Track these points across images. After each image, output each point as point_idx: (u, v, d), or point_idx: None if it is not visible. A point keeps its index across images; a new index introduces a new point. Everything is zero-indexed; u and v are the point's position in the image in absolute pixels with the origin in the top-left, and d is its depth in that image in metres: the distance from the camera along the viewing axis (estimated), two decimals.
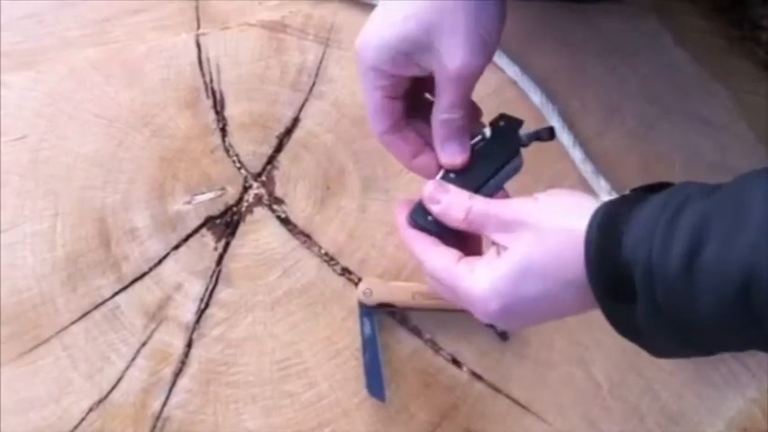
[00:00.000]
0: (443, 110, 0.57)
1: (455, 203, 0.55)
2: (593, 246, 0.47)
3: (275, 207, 0.77)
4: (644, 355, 0.74)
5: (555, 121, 0.79)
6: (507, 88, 0.83)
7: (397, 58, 0.56)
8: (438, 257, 0.55)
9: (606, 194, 0.75)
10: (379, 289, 0.74)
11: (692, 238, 0.43)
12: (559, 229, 0.50)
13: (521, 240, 0.51)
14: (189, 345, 0.74)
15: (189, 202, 0.77)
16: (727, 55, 0.85)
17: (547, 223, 0.51)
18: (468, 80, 0.56)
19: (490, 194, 0.57)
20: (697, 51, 0.83)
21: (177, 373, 0.73)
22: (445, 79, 0.56)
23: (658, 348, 0.51)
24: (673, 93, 0.81)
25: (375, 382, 0.72)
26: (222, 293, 0.75)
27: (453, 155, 0.58)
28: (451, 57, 0.55)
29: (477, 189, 0.57)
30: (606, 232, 0.47)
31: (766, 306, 0.40)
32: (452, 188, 0.56)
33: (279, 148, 0.78)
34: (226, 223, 0.77)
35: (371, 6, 0.82)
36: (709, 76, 0.83)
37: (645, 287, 0.45)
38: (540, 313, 0.53)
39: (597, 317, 0.75)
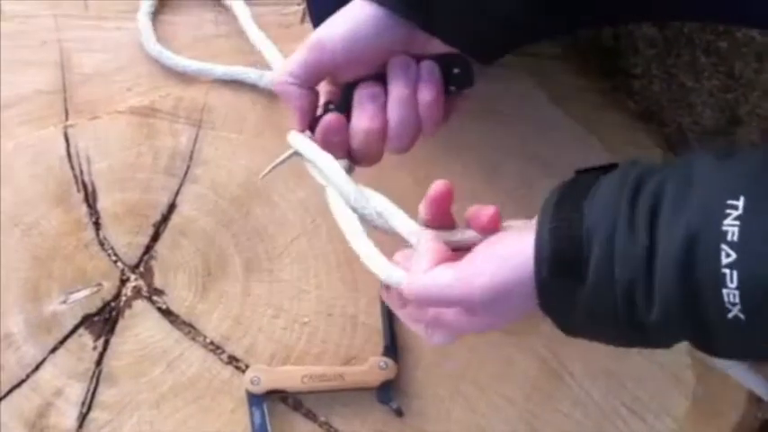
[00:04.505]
0: None
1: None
2: (549, 217, 0.48)
3: (155, 298, 0.75)
4: (543, 416, 0.74)
5: None
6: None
7: None
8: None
9: None
10: (266, 376, 0.71)
11: (650, 212, 0.45)
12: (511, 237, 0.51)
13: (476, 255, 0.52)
14: None
15: (64, 302, 0.74)
16: (601, 108, 0.86)
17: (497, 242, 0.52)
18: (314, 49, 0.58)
19: None
20: (571, 108, 0.84)
21: None
22: None
23: (581, 328, 0.50)
24: (550, 150, 0.82)
25: None
26: (104, 395, 0.72)
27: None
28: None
29: None
30: (562, 209, 0.49)
31: (704, 263, 0.42)
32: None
33: (156, 237, 0.76)
34: (104, 320, 0.74)
35: (244, 84, 0.81)
36: (585, 130, 0.84)
37: (603, 263, 0.46)
38: (515, 299, 0.50)
39: (492, 384, 0.75)
